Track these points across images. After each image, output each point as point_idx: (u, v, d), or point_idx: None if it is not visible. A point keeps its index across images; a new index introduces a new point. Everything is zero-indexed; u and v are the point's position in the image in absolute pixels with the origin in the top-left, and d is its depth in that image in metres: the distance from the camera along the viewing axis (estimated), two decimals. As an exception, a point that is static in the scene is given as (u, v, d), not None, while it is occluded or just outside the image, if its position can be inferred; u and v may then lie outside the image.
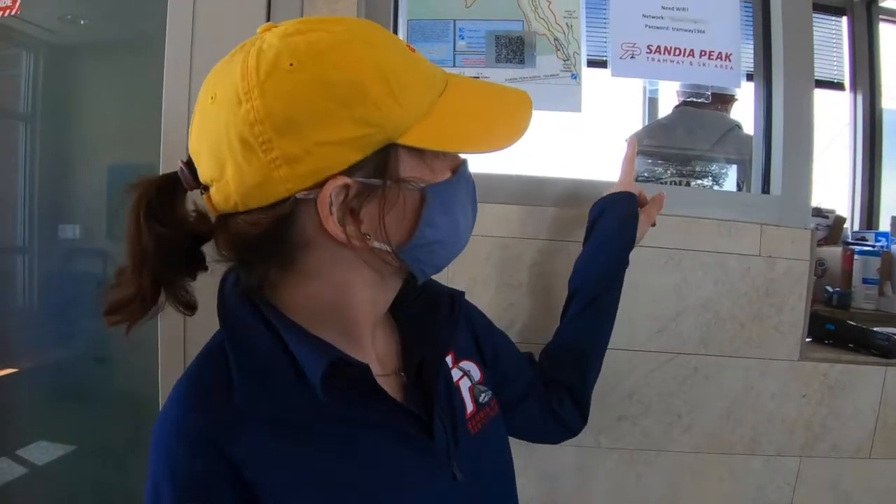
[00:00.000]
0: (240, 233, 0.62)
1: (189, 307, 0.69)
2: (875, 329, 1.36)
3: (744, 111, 1.42)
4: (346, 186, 0.60)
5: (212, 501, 0.61)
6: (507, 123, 0.67)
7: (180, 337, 1.25)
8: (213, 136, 0.60)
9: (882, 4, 2.37)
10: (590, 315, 1.07)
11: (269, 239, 0.62)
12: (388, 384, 0.73)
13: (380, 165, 0.61)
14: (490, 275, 1.24)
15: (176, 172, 0.65)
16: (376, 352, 0.75)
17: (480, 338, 0.92)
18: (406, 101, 0.60)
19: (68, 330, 1.56)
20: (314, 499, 0.64)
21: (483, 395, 0.84)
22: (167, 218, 0.65)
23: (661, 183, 1.54)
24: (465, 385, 0.83)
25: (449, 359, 0.82)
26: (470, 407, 0.81)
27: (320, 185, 0.59)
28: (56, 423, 1.59)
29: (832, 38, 2.42)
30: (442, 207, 0.65)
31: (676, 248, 1.25)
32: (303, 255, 0.64)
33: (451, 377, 0.81)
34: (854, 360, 1.30)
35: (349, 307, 0.69)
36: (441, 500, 0.72)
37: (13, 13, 1.42)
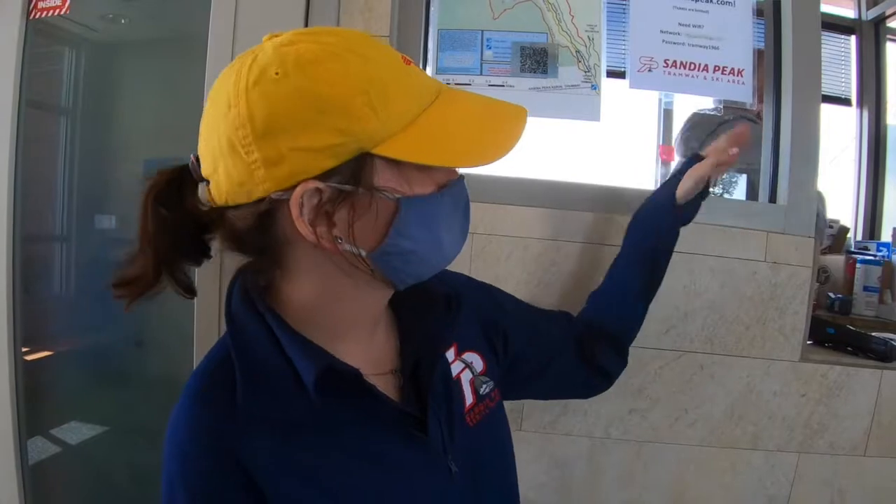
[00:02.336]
0: (231, 225, 0.67)
1: (188, 290, 0.73)
2: (873, 334, 1.42)
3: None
4: (319, 190, 0.62)
5: (222, 499, 0.65)
6: (493, 138, 0.67)
7: (215, 321, 1.31)
8: (210, 136, 0.64)
9: (890, 24, 2.41)
10: (635, 261, 1.12)
11: (255, 233, 0.66)
12: (385, 383, 0.76)
13: (354, 173, 0.62)
14: (510, 273, 1.30)
15: (188, 164, 0.69)
16: (375, 351, 0.78)
17: (487, 324, 0.92)
18: (385, 113, 0.61)
19: (104, 315, 1.59)
20: (313, 498, 0.67)
21: (484, 386, 0.86)
22: (173, 205, 0.69)
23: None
24: (466, 377, 0.85)
25: (452, 351, 0.84)
26: (469, 399, 0.83)
27: (294, 187, 0.62)
28: (91, 405, 1.64)
29: (841, 56, 2.47)
30: (418, 220, 0.66)
31: (686, 251, 1.30)
32: (288, 252, 0.68)
33: (449, 373, 0.83)
34: (852, 363, 1.35)
35: (333, 308, 0.72)
36: (438, 493, 0.75)
37: (62, 12, 1.47)
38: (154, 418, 1.52)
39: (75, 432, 1.64)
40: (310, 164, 0.61)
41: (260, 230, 0.66)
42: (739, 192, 1.76)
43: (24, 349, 1.54)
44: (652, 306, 1.30)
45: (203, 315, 1.32)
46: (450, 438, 0.77)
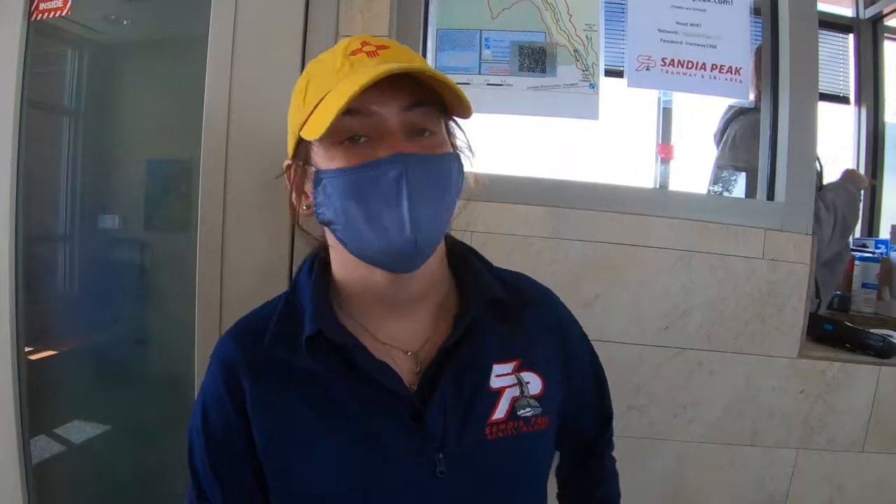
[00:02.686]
0: None
1: None
2: (871, 331, 1.43)
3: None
4: (289, 167, 0.80)
5: (220, 413, 0.79)
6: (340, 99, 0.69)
7: (216, 320, 1.32)
8: None
9: (888, 23, 2.42)
10: None
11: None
12: (402, 363, 0.80)
13: (302, 152, 0.77)
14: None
15: None
16: (406, 331, 0.82)
17: (568, 358, 0.91)
18: (306, 103, 0.74)
19: (108, 314, 1.60)
20: (286, 445, 0.77)
21: (528, 409, 0.82)
22: None
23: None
24: (510, 393, 0.82)
25: (510, 365, 0.83)
26: (500, 415, 0.81)
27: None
28: (93, 404, 1.65)
29: (839, 54, 2.48)
30: (328, 191, 0.73)
31: (685, 249, 1.32)
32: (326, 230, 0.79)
33: (483, 381, 0.81)
34: (850, 360, 1.36)
35: (349, 281, 0.81)
36: (416, 486, 0.76)
37: (64, 14, 1.47)
38: (155, 416, 1.56)
39: (79, 431, 1.65)
40: (289, 147, 0.79)
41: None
42: (738, 189, 1.77)
43: (28, 349, 1.54)
44: (650, 303, 1.32)
45: (204, 314, 1.32)
46: (456, 441, 0.77)
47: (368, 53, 0.74)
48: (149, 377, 1.58)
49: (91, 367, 1.65)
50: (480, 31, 1.38)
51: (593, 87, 1.38)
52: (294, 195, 0.80)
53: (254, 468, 0.79)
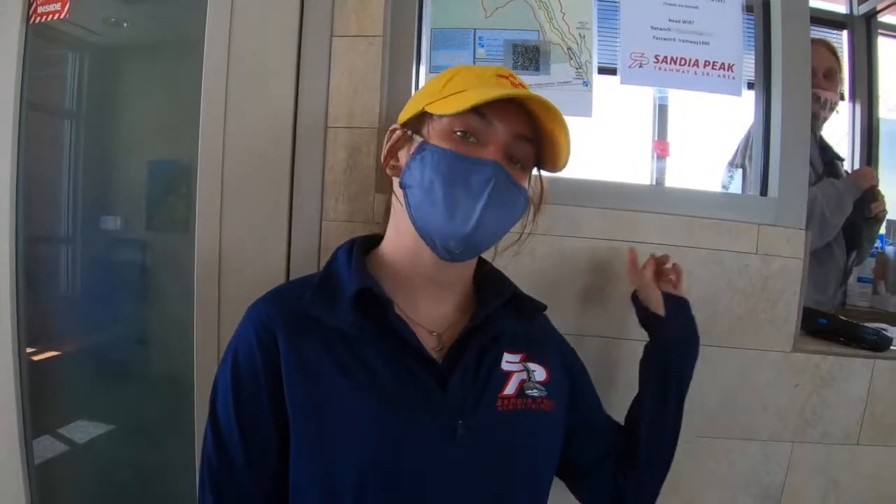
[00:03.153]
0: None
1: None
2: (864, 324, 1.44)
3: (744, 118, 1.49)
4: (394, 130, 0.94)
5: (250, 369, 0.85)
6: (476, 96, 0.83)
7: (215, 320, 1.33)
8: None
9: (881, 19, 2.43)
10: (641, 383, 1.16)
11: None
12: (427, 339, 0.91)
13: (415, 123, 0.90)
14: (503, 267, 1.31)
15: None
16: (439, 314, 0.95)
17: (575, 371, 1.07)
18: (447, 89, 0.88)
19: (110, 314, 1.62)
20: (313, 396, 0.83)
21: (533, 390, 0.93)
22: None
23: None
24: (518, 376, 0.94)
25: (517, 356, 0.95)
26: (510, 391, 0.92)
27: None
28: (96, 403, 1.66)
29: (833, 51, 2.48)
30: (423, 161, 0.86)
31: (680, 245, 1.32)
32: (393, 195, 0.94)
33: (498, 362, 0.93)
34: (844, 353, 1.37)
35: (395, 258, 0.93)
36: (436, 445, 0.84)
37: (62, 17, 1.49)
38: (157, 417, 1.57)
39: (81, 431, 1.66)
40: (402, 116, 0.94)
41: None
42: (735, 186, 1.78)
43: (31, 349, 1.55)
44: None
45: (202, 313, 1.33)
46: (472, 409, 0.86)
47: (513, 83, 0.89)
48: (148, 376, 1.60)
49: (92, 367, 1.66)
50: (474, 29, 1.40)
51: (587, 85, 1.39)
52: (386, 154, 0.94)
53: (276, 422, 0.85)
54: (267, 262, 1.31)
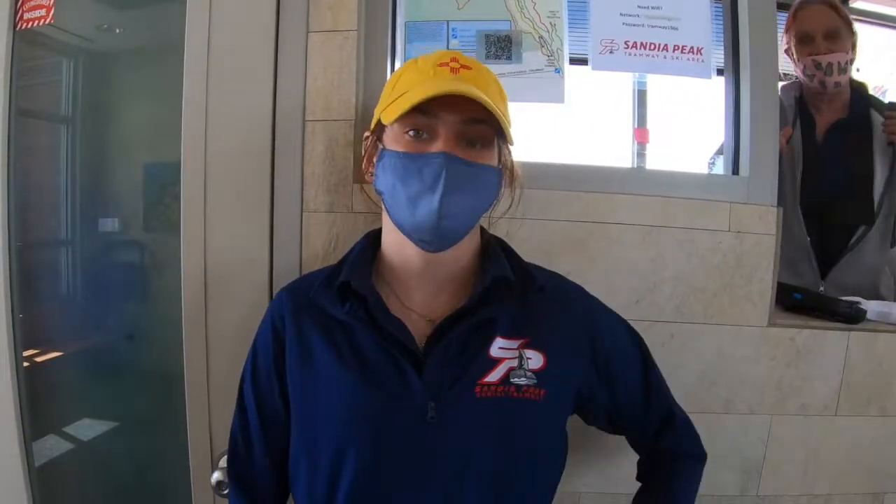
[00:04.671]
0: None
1: None
2: (839, 298, 1.46)
3: (714, 103, 1.51)
4: (367, 138, 1.02)
5: (266, 350, 1.01)
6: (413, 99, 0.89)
7: (202, 319, 1.35)
8: None
9: (853, 5, 2.42)
10: None
11: None
12: (419, 325, 0.97)
13: (379, 130, 0.97)
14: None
15: None
16: (429, 302, 0.99)
17: (607, 353, 1.07)
18: (396, 91, 0.93)
19: (105, 313, 1.66)
20: (306, 369, 0.96)
21: (520, 378, 0.94)
22: None
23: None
24: (507, 364, 0.95)
25: (518, 342, 0.97)
26: (492, 377, 0.93)
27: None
28: (98, 401, 1.70)
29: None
30: (385, 166, 0.93)
31: (653, 224, 1.35)
32: None
33: (485, 347, 0.95)
34: (819, 326, 1.39)
35: (389, 253, 1.00)
36: (406, 426, 0.91)
37: (47, 22, 1.51)
38: (156, 416, 1.59)
39: (87, 428, 1.70)
40: (372, 122, 1.01)
41: None
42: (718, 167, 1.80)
43: (32, 351, 1.59)
44: (620, 278, 1.35)
45: (190, 310, 1.35)
46: (446, 393, 0.91)
47: (452, 69, 0.92)
48: (139, 371, 1.63)
49: (87, 365, 1.70)
50: (447, 21, 1.44)
51: (559, 72, 1.43)
52: (364, 162, 1.02)
53: (281, 390, 1.00)
54: (251, 253, 1.34)
